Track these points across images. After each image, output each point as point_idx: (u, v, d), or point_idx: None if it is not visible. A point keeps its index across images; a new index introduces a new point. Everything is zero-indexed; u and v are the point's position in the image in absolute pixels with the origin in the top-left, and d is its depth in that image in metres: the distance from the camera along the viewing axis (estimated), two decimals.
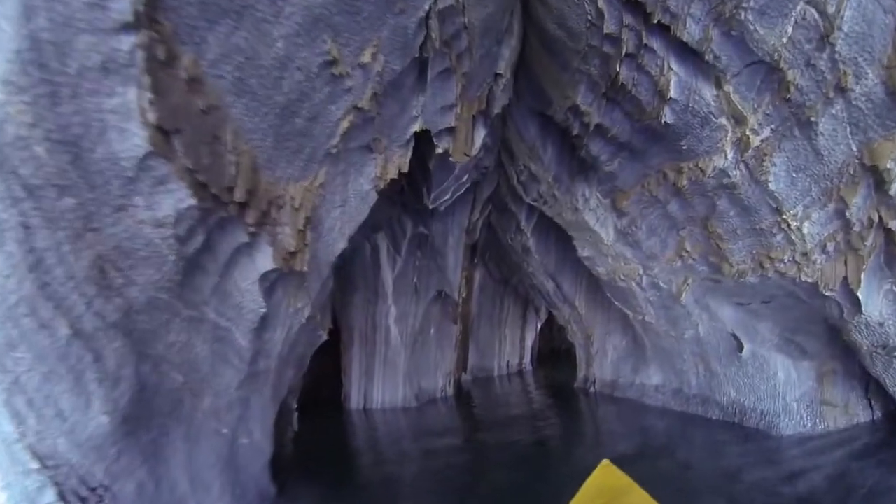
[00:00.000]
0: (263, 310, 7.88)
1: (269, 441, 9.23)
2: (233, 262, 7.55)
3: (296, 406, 11.57)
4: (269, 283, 8.08)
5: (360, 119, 8.90)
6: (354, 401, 18.64)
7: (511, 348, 24.99)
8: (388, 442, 14.26)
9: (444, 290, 18.26)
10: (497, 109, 12.49)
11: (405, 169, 10.65)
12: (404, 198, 15.69)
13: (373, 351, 18.68)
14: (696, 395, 14.06)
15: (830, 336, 10.75)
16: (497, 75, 11.88)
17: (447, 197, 14.47)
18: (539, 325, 26.22)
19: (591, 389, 18.87)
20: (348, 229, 10.17)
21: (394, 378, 18.60)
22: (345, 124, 8.64)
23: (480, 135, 12.63)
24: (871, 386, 11.07)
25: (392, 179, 10.40)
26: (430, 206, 14.50)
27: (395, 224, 17.32)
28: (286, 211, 8.23)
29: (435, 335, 19.53)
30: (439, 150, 11.49)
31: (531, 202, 15.68)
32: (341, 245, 10.17)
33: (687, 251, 11.87)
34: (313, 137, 8.29)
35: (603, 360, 18.54)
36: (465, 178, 14.21)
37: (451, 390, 19.98)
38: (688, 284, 12.52)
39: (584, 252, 15.14)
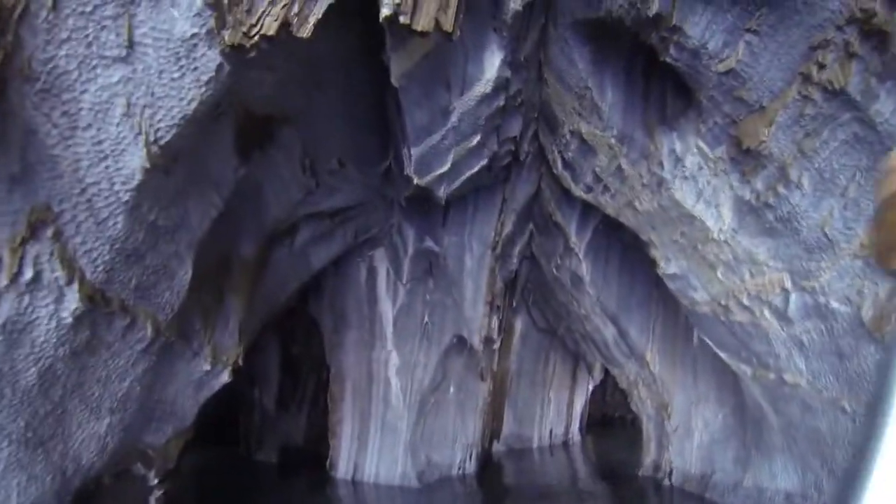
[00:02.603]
0: None
1: None
2: None
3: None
4: None
5: None
6: (342, 469, 11.52)
7: (556, 414, 16.58)
8: None
9: (463, 333, 10.87)
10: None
11: (304, 31, 4.45)
12: (395, 186, 8.75)
13: (368, 409, 11.50)
14: None
15: None
16: None
17: (444, 169, 7.60)
18: (591, 387, 17.78)
19: (666, 482, 10.98)
20: (167, 122, 4.25)
21: (392, 447, 11.36)
22: None
23: (494, 58, 6.36)
24: None
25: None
26: (417, 181, 7.61)
27: (396, 236, 10.28)
28: None
29: (455, 395, 12.12)
30: (385, 11, 4.71)
31: (583, 194, 8.37)
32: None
33: None
34: None
35: (685, 443, 10.58)
36: (475, 141, 7.35)
37: (472, 466, 12.39)
38: None
39: (669, 268, 7.64)
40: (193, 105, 4.18)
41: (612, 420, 20.89)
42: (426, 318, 11.01)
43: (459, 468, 12.06)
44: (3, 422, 4.19)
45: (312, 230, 8.61)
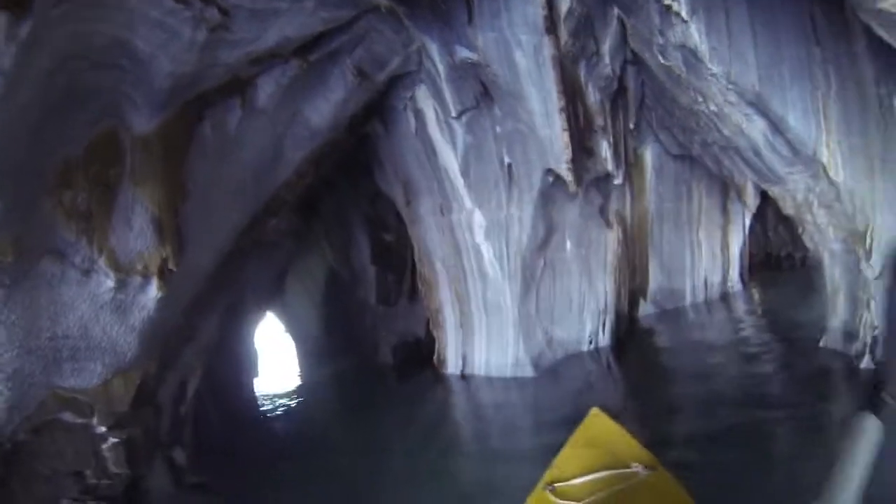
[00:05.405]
0: None
1: None
2: None
3: None
4: None
5: None
6: (452, 363, 9.09)
7: (710, 260, 12.23)
8: None
9: (553, 166, 7.52)
10: None
11: None
12: None
13: (465, 288, 8.87)
14: None
15: None
16: None
17: None
18: (748, 222, 12.91)
19: (865, 362, 6.60)
20: None
21: (500, 330, 8.59)
22: None
23: None
24: None
25: None
26: None
27: (425, 59, 7.10)
28: None
29: (574, 250, 8.95)
30: None
31: None
32: None
33: None
34: None
35: None
36: None
37: (606, 338, 9.22)
38: None
39: None
40: None
41: (777, 261, 15.70)
42: (505, 157, 7.92)
43: (590, 342, 9.00)
44: None
45: (277, 79, 5.79)
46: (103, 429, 4.94)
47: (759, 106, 6.52)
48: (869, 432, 1.44)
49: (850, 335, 7.03)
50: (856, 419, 1.48)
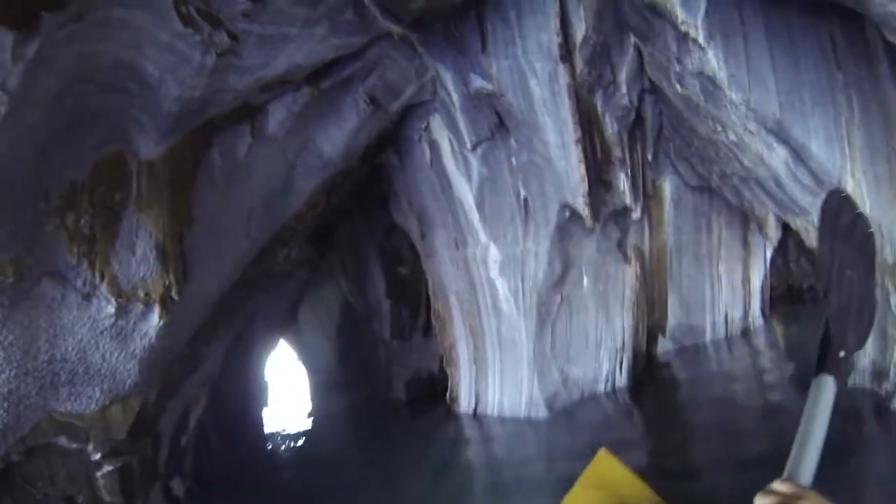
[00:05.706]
0: None
1: None
2: None
3: None
4: None
5: None
6: (465, 402, 8.84)
7: (730, 295, 11.70)
8: None
9: (569, 200, 7.39)
10: None
11: None
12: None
13: (479, 324, 8.68)
14: None
15: None
16: None
17: None
18: (770, 254, 12.21)
19: (895, 404, 6.34)
20: None
21: (514, 367, 8.37)
22: None
23: None
24: None
25: None
26: None
27: (440, 88, 7.06)
28: None
29: (591, 286, 8.75)
30: None
31: None
32: None
33: None
34: None
35: None
36: None
37: (623, 377, 8.92)
38: None
39: None
40: None
41: (799, 294, 14.70)
42: (521, 190, 7.80)
43: (607, 381, 8.75)
44: None
45: (288, 106, 5.79)
46: (98, 455, 4.92)
47: (779, 134, 6.36)
48: (826, 392, 1.48)
49: (879, 373, 6.67)
50: (814, 380, 1.53)
